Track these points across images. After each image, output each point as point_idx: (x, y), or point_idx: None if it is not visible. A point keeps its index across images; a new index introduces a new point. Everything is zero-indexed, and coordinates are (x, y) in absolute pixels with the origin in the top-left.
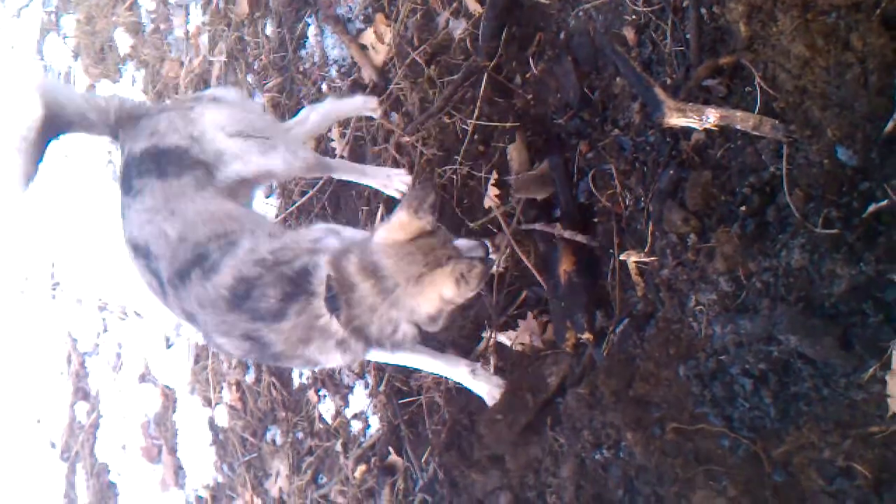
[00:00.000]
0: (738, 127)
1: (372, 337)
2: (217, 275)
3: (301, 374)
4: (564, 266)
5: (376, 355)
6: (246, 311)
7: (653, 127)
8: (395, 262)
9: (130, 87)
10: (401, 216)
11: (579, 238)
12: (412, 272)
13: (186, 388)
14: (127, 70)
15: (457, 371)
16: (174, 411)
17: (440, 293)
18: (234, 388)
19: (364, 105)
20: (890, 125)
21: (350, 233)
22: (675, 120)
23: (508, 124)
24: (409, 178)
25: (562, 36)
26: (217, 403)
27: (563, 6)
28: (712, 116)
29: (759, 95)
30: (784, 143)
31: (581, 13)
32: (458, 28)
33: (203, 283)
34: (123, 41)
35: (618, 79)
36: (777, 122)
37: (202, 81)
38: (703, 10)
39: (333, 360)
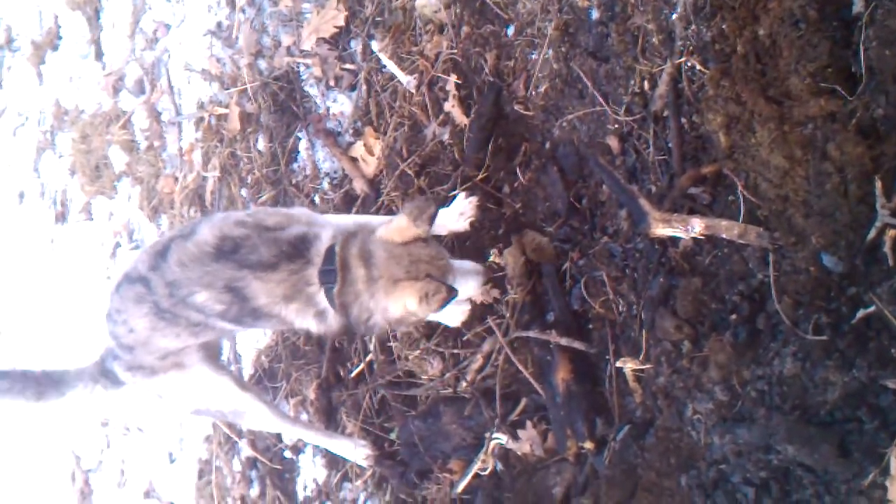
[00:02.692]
0: (724, 236)
1: (352, 316)
2: (196, 235)
3: (305, 487)
4: (562, 374)
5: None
6: (233, 261)
7: (640, 235)
8: (385, 258)
9: (126, 204)
10: (399, 221)
11: (576, 345)
12: (393, 273)
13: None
14: (122, 186)
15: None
16: None
17: (405, 303)
18: (238, 502)
19: (354, 452)
20: (872, 233)
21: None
22: (661, 230)
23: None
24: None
25: (547, 146)
26: None
27: (547, 117)
28: (698, 226)
29: (742, 204)
30: (770, 250)
31: (565, 123)
32: (446, 135)
33: (183, 244)
34: (118, 158)
35: (604, 186)
36: (762, 230)
37: (197, 197)
38: (684, 120)
39: (307, 325)
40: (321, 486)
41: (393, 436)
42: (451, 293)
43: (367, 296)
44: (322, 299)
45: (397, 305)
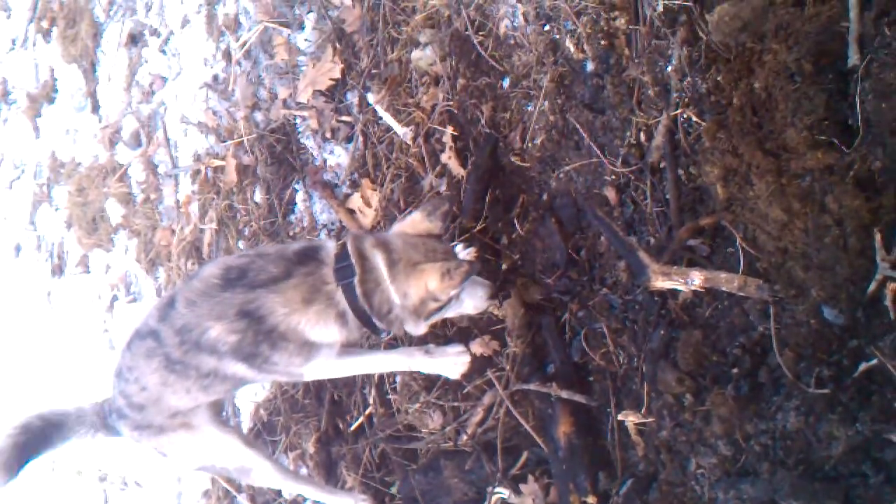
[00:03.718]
0: (724, 288)
1: (374, 307)
2: (201, 274)
3: None
4: (563, 428)
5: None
6: (243, 286)
7: (640, 287)
8: (402, 244)
9: (123, 256)
10: (414, 216)
11: (577, 398)
12: (412, 257)
13: None
14: (119, 239)
15: (414, 360)
16: None
17: (426, 283)
18: None
19: None
20: (873, 286)
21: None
22: (661, 283)
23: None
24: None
25: (544, 197)
26: None
27: (544, 169)
28: (697, 279)
29: (741, 256)
30: (770, 303)
31: (561, 175)
32: (443, 187)
33: (189, 285)
34: (115, 211)
35: (602, 238)
36: (761, 282)
37: (194, 249)
38: (681, 171)
39: (330, 333)
40: None
41: (394, 490)
42: (473, 268)
43: (388, 281)
44: (341, 298)
45: (418, 286)
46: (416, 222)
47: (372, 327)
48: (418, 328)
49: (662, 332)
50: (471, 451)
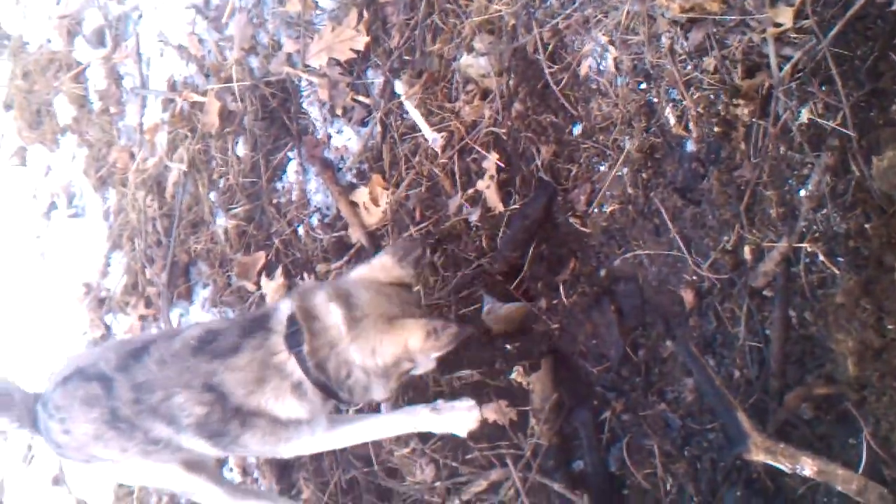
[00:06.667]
0: (839, 487)
1: (331, 376)
2: (184, 333)
3: None
4: None
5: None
6: (207, 352)
7: (714, 421)
8: (371, 296)
9: (69, 163)
10: (384, 259)
11: None
12: (386, 311)
13: None
14: (66, 143)
15: (419, 419)
16: None
17: (406, 340)
18: None
19: None
20: None
21: None
22: (762, 458)
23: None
24: None
25: (602, 273)
26: None
27: (608, 241)
28: (808, 468)
29: (864, 452)
30: None
31: (629, 256)
32: (475, 216)
33: (169, 342)
34: (65, 111)
35: (668, 342)
36: (886, 492)
37: (156, 184)
38: (792, 312)
39: (291, 408)
40: None
41: None
42: (463, 331)
43: (347, 340)
44: (293, 366)
45: (395, 343)
46: (387, 267)
47: (336, 397)
48: (385, 391)
49: (739, 493)
50: None
